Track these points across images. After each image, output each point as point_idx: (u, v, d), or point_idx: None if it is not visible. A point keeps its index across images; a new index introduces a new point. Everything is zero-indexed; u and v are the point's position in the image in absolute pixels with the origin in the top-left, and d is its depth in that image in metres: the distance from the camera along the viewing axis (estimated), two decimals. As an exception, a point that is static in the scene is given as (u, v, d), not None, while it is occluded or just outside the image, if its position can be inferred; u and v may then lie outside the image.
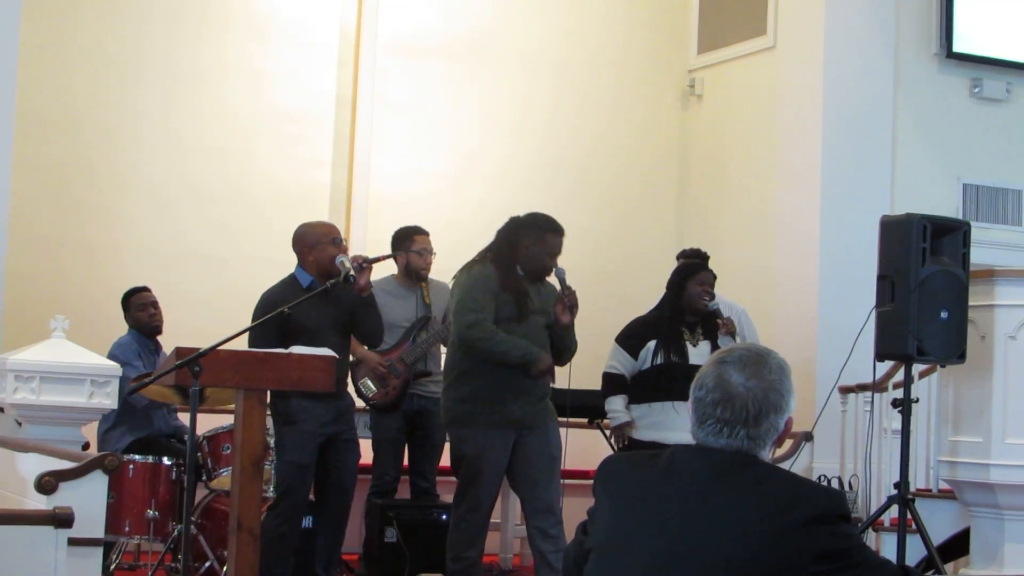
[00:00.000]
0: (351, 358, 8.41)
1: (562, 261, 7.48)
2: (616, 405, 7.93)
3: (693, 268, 8.16)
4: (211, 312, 10.08)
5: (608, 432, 7.95)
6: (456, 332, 7.34)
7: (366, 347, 8.39)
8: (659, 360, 7.87)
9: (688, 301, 7.99)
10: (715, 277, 9.12)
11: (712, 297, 8.04)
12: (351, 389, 8.49)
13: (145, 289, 8.93)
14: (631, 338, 8.01)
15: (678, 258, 9.18)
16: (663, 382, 7.77)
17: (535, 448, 7.29)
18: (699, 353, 7.83)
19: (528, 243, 7.34)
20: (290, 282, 7.62)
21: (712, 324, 8.01)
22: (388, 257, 7.87)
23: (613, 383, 7.95)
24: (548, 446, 7.32)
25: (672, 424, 7.72)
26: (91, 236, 10.45)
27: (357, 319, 7.58)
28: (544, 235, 7.35)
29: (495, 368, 7.21)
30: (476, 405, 7.26)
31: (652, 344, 7.91)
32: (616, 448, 7.95)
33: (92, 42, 10.56)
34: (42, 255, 10.26)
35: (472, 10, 11.70)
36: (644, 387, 7.87)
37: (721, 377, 3.13)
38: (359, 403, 8.70)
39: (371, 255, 7.58)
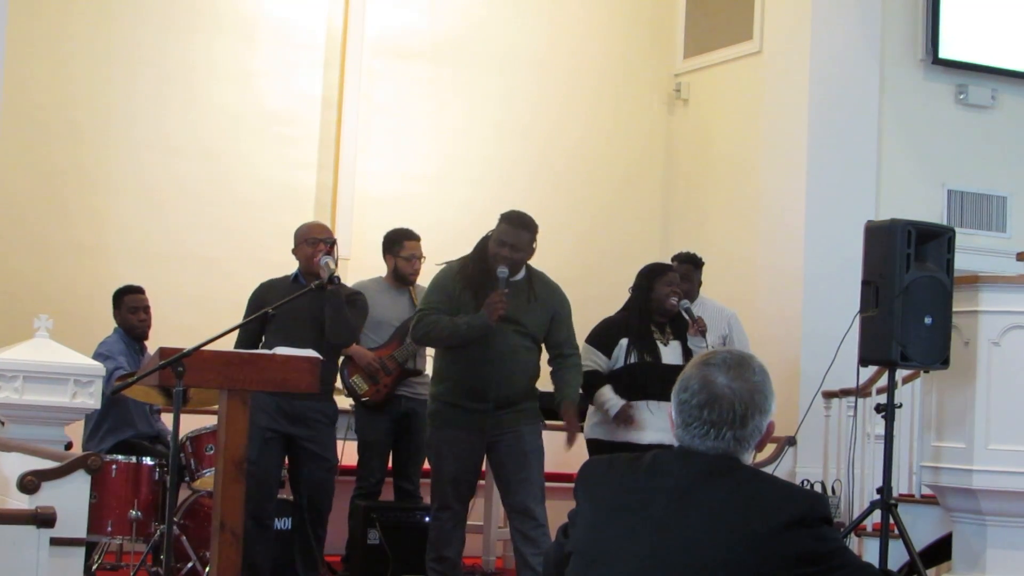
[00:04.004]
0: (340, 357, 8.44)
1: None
2: (607, 394, 7.79)
3: (660, 269, 8.14)
4: (196, 312, 10.07)
5: (615, 421, 7.78)
6: (411, 337, 7.72)
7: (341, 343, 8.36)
8: (632, 359, 7.83)
9: (656, 302, 7.93)
10: (700, 283, 9.12)
11: (680, 297, 8.01)
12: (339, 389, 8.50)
13: (140, 291, 8.85)
14: (603, 337, 7.95)
15: (672, 261, 9.19)
16: (637, 382, 7.75)
17: (507, 451, 7.31)
18: (671, 352, 7.84)
19: (493, 235, 7.36)
20: (287, 276, 7.85)
21: (681, 324, 7.98)
22: (334, 242, 7.86)
23: (593, 378, 7.85)
24: (521, 448, 7.30)
25: (646, 424, 7.72)
26: (77, 235, 10.44)
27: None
28: (500, 224, 7.35)
29: (465, 376, 7.25)
30: (444, 405, 7.35)
31: (624, 342, 7.86)
32: (616, 425, 7.82)
33: (80, 42, 10.56)
34: (27, 254, 10.25)
35: (458, 13, 11.71)
36: (617, 387, 7.84)
37: (706, 379, 3.13)
38: (345, 404, 8.70)
39: (337, 273, 7.63)
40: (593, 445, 7.85)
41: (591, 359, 7.90)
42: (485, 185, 11.37)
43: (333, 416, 7.91)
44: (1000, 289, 7.35)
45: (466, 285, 7.30)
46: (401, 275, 8.78)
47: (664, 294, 7.93)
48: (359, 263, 10.30)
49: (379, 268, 8.99)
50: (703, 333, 7.90)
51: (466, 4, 11.77)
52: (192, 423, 8.28)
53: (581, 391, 7.80)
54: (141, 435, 8.52)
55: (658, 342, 7.89)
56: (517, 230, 7.29)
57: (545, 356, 7.58)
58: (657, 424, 7.62)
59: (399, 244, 8.84)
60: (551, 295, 7.51)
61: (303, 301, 7.35)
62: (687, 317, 7.99)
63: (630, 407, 7.74)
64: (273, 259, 8.00)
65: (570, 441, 7.37)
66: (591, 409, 7.96)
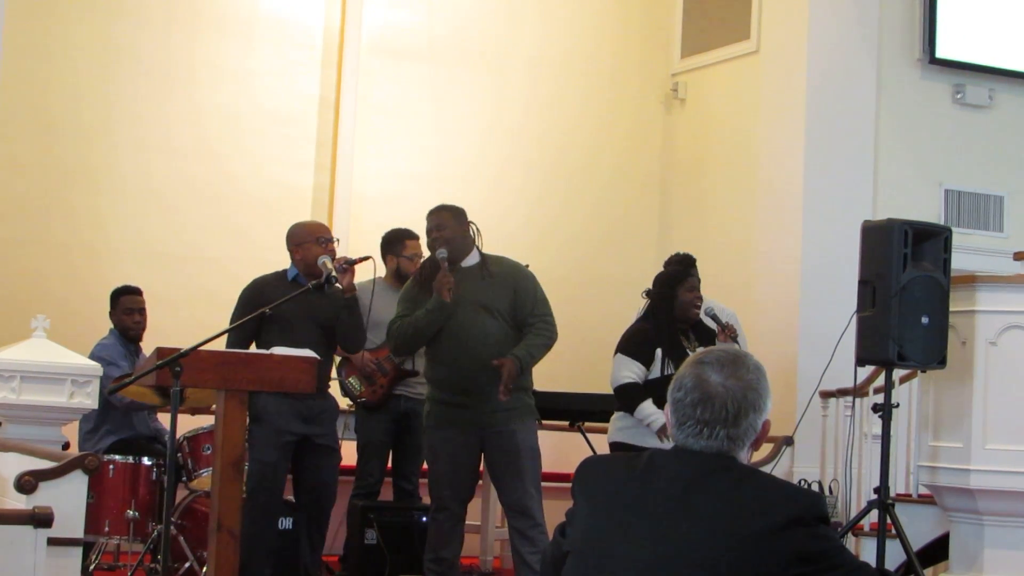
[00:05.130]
0: (337, 357, 8.45)
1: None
2: (650, 409, 7.66)
3: (680, 275, 8.00)
4: (193, 312, 10.07)
5: (660, 436, 7.71)
6: (389, 351, 7.90)
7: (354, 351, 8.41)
8: (670, 370, 7.69)
9: (681, 309, 7.86)
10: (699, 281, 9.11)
11: (701, 302, 7.98)
12: (336, 388, 8.51)
13: (137, 292, 8.84)
14: (641, 348, 7.80)
15: (666, 265, 9.16)
16: None
17: (501, 449, 7.32)
18: None
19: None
20: (280, 274, 7.80)
21: (701, 329, 7.93)
22: (367, 259, 7.85)
23: (634, 391, 7.74)
24: (515, 446, 7.30)
25: None
26: (77, 234, 10.43)
27: (338, 321, 7.61)
28: (427, 218, 7.53)
29: (446, 373, 7.31)
30: (435, 404, 7.39)
31: (660, 353, 7.79)
32: (660, 439, 7.75)
33: (72, 42, 10.54)
34: (23, 255, 10.24)
35: (454, 12, 11.71)
36: (656, 397, 7.73)
37: (700, 377, 3.13)
38: (343, 403, 8.71)
39: (353, 257, 7.62)
40: (618, 449, 7.80)
41: (629, 370, 7.78)
42: (481, 184, 11.37)
43: (336, 409, 8.00)
44: (997, 289, 7.35)
45: (422, 286, 7.38)
46: (403, 275, 8.77)
47: (688, 300, 7.86)
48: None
49: (382, 270, 8.98)
50: (734, 338, 7.86)
51: (462, 4, 11.77)
52: (189, 423, 8.28)
53: (618, 403, 7.87)
54: (139, 435, 8.52)
55: (688, 351, 7.82)
56: (434, 215, 7.48)
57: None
58: None
59: (401, 244, 8.86)
60: (507, 270, 7.51)
61: (305, 301, 7.35)
62: (716, 323, 7.96)
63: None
64: (273, 258, 7.98)
65: (502, 393, 7.21)
66: (618, 413, 7.91)
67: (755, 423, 3.13)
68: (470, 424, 7.28)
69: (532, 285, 7.49)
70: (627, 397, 7.77)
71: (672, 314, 7.86)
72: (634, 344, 7.87)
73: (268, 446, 7.47)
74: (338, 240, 7.93)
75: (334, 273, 7.38)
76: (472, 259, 7.42)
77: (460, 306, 7.25)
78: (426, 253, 8.53)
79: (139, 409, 8.45)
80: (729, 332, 7.88)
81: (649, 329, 7.92)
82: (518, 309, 7.39)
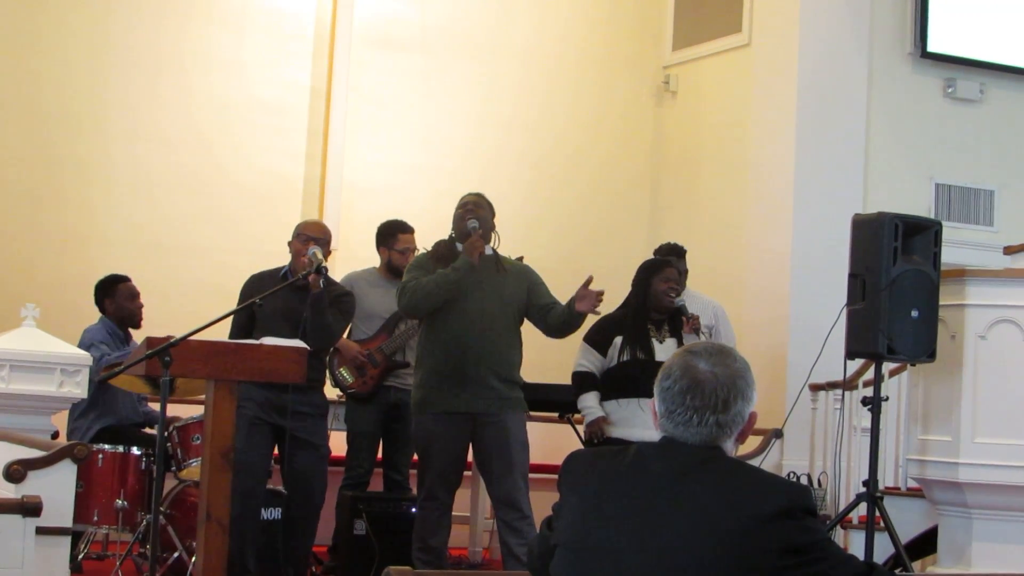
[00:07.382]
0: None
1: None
2: (589, 401, 7.84)
3: (658, 265, 8.09)
4: (183, 302, 10.06)
5: (584, 430, 7.89)
6: (400, 308, 7.67)
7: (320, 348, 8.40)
8: (626, 357, 7.82)
9: (653, 298, 7.91)
10: (686, 272, 9.12)
11: (678, 294, 8.00)
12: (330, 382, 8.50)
13: (128, 279, 8.83)
14: (598, 336, 7.92)
15: (655, 253, 9.17)
16: (629, 378, 7.73)
17: (491, 440, 7.33)
18: (665, 350, 7.79)
19: (454, 217, 7.53)
20: (277, 268, 7.79)
21: (679, 321, 7.97)
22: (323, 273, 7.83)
23: (583, 381, 7.89)
24: (505, 438, 7.32)
25: (638, 421, 7.69)
26: (67, 223, 10.43)
27: (304, 319, 7.59)
28: (465, 196, 7.55)
29: (445, 355, 7.29)
30: (427, 392, 7.37)
31: (619, 340, 7.85)
32: (590, 444, 7.91)
33: (63, 31, 10.53)
34: (13, 244, 10.23)
35: (447, 3, 11.70)
36: (611, 384, 7.83)
37: (688, 366, 3.14)
38: (333, 395, 8.70)
39: (325, 263, 7.57)
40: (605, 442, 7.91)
41: (586, 359, 7.92)
42: (473, 176, 11.33)
43: (323, 407, 7.87)
44: (987, 283, 7.37)
45: (438, 260, 7.40)
46: (395, 268, 8.77)
47: (661, 291, 7.91)
48: (347, 253, 10.30)
49: (367, 259, 8.99)
50: (697, 331, 7.89)
51: (456, -5, 11.79)
52: (178, 412, 8.27)
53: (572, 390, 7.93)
54: (127, 420, 8.50)
55: (653, 339, 7.87)
56: (471, 195, 7.52)
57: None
58: (650, 422, 7.60)
59: (393, 237, 8.85)
60: (520, 269, 7.61)
61: (286, 298, 7.35)
62: (681, 314, 7.99)
63: (605, 422, 7.78)
64: (264, 249, 8.00)
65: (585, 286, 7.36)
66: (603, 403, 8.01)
67: (743, 411, 3.14)
68: (461, 411, 7.27)
69: (543, 282, 7.60)
70: (576, 384, 7.94)
71: (643, 302, 7.93)
72: (593, 331, 8.00)
73: (239, 431, 7.44)
74: (327, 242, 7.87)
75: (324, 264, 7.38)
76: (487, 250, 7.45)
77: (474, 288, 7.28)
78: (420, 246, 8.55)
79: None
80: (694, 324, 7.90)
81: (615, 317, 8.00)
82: (534, 301, 7.47)
